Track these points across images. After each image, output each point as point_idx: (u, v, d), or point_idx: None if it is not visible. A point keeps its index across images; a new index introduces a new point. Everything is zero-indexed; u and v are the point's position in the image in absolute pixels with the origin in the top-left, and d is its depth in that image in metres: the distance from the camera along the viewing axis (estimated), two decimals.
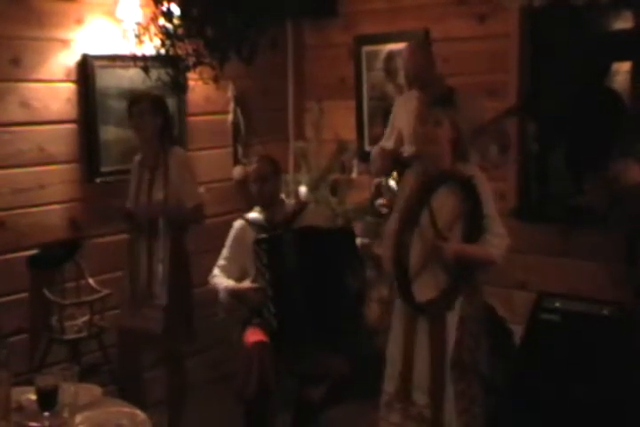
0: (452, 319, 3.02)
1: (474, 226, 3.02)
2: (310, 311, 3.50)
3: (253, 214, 3.82)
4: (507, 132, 3.75)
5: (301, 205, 3.93)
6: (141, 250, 3.74)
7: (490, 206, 3.04)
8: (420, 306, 3.00)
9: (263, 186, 3.74)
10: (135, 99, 3.76)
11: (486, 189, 3.06)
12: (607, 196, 3.64)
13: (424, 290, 3.00)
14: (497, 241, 3.03)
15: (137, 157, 3.86)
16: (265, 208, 3.79)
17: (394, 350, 3.11)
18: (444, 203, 3.00)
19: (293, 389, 3.62)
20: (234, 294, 3.67)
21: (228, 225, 4.00)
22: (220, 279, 3.75)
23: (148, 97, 3.77)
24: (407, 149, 3.92)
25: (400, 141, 4.01)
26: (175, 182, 3.70)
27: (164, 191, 3.68)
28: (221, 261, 3.82)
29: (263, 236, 3.60)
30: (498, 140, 3.67)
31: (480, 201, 2.99)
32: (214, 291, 3.76)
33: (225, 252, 3.83)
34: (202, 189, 3.95)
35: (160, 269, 3.70)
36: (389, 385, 3.10)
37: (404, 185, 3.18)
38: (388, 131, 4.11)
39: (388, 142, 4.06)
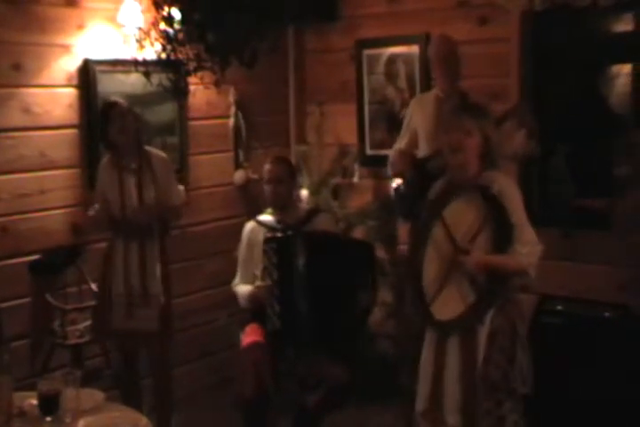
0: (483, 334, 2.90)
1: (501, 236, 2.89)
2: (314, 315, 3.49)
3: (265, 216, 3.81)
4: (531, 116, 3.71)
5: (314, 211, 3.90)
6: (133, 252, 3.71)
7: (518, 214, 2.91)
8: (443, 326, 2.92)
9: (277, 188, 3.70)
10: (111, 103, 3.73)
11: (514, 196, 2.93)
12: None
13: (450, 307, 2.90)
14: (526, 249, 2.89)
15: (105, 160, 3.79)
16: (278, 210, 3.76)
17: (425, 369, 3.01)
18: (462, 215, 2.90)
19: (294, 392, 3.61)
20: (249, 298, 3.66)
21: (229, 229, 4.01)
22: (240, 287, 3.75)
23: (120, 101, 3.75)
24: (423, 149, 3.93)
25: (415, 142, 4.00)
26: (161, 182, 3.71)
27: (155, 193, 3.69)
28: (239, 268, 3.81)
29: (274, 235, 3.60)
30: (525, 126, 3.64)
31: (505, 210, 2.87)
32: (238, 299, 3.76)
33: (240, 257, 3.82)
34: (181, 188, 3.98)
35: (158, 268, 3.71)
36: (419, 403, 3.01)
37: (433, 195, 3.08)
38: (402, 131, 4.11)
39: (401, 142, 4.06)
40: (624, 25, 4.03)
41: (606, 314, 3.72)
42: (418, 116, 4.04)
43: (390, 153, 4.06)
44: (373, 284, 3.67)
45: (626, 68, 4.05)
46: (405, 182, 3.90)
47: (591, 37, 4.11)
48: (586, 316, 3.76)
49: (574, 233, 4.06)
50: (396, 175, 4.00)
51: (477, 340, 2.90)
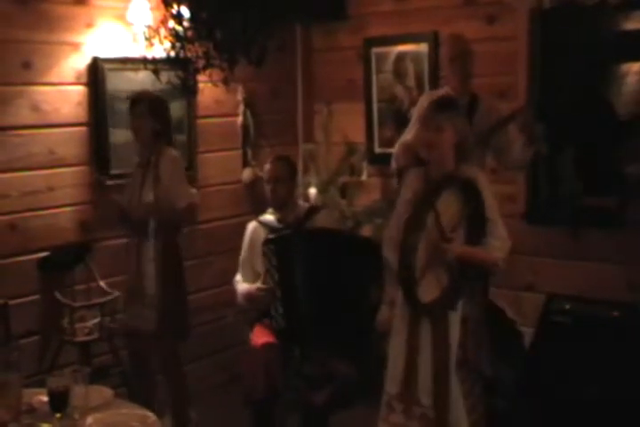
0: (455, 320, 3.01)
1: (476, 229, 3.01)
2: (319, 314, 3.50)
3: (266, 216, 3.83)
4: (533, 121, 3.71)
5: (314, 209, 3.91)
6: (132, 252, 3.76)
7: (492, 209, 3.03)
8: (423, 307, 2.99)
9: (277, 187, 3.73)
10: (134, 100, 3.76)
11: (487, 191, 3.04)
12: None
13: (428, 291, 2.98)
14: (499, 244, 3.03)
15: (136, 159, 3.86)
16: (277, 209, 3.78)
17: (396, 352, 3.09)
18: (449, 205, 2.99)
19: (302, 390, 3.61)
20: (246, 297, 3.69)
21: (238, 227, 4.01)
22: (239, 285, 3.78)
23: (146, 98, 3.76)
24: None
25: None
26: (165, 183, 3.70)
27: (154, 192, 3.69)
28: (240, 266, 3.84)
29: (272, 236, 3.60)
30: (526, 131, 3.65)
31: (482, 204, 2.99)
32: (236, 296, 3.80)
33: (242, 255, 3.85)
34: (194, 190, 3.96)
35: (151, 268, 3.70)
36: (391, 386, 3.09)
37: (407, 187, 3.16)
38: (409, 125, 4.11)
39: (407, 137, 4.06)
40: (633, 23, 4.01)
41: (614, 313, 3.71)
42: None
43: (396, 146, 4.08)
44: (380, 280, 3.67)
45: (635, 67, 4.04)
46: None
47: (600, 36, 4.09)
48: (594, 315, 3.75)
49: (582, 232, 4.06)
50: (400, 168, 4.02)
51: (448, 324, 3.00)
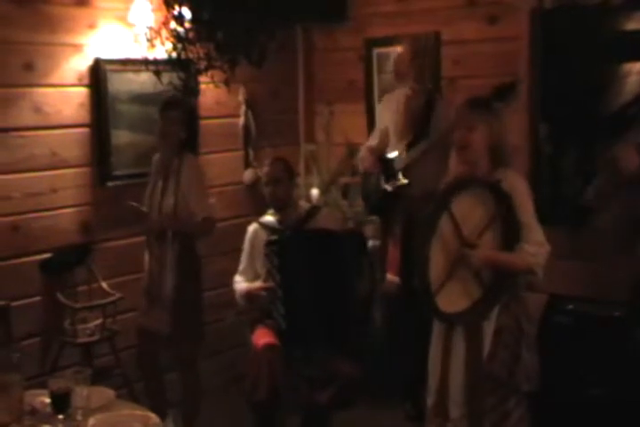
0: (489, 330, 2.90)
1: (510, 234, 2.89)
2: (320, 313, 3.51)
3: (267, 217, 3.83)
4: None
5: (315, 209, 3.92)
6: (153, 254, 3.79)
7: (527, 213, 2.90)
8: (448, 317, 2.90)
9: (275, 189, 3.73)
10: (167, 105, 3.76)
11: (524, 194, 2.92)
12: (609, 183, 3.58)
13: (454, 300, 2.88)
14: (534, 249, 2.88)
15: (156, 157, 3.87)
16: (277, 211, 3.79)
17: (433, 363, 3.02)
18: (471, 209, 2.87)
19: (303, 391, 3.61)
20: (247, 296, 3.70)
21: (239, 228, 4.02)
22: (239, 285, 3.79)
23: (182, 106, 3.78)
24: (393, 145, 3.99)
25: (385, 139, 4.08)
26: (184, 190, 3.71)
27: (174, 201, 3.70)
28: (240, 267, 3.85)
29: (274, 237, 3.61)
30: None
31: (514, 208, 2.86)
32: (235, 296, 3.82)
33: (242, 257, 3.86)
34: (212, 200, 3.95)
35: (170, 275, 3.72)
36: (429, 399, 3.02)
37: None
38: (375, 129, 4.19)
39: (373, 140, 4.14)
40: (635, 23, 4.01)
41: (616, 313, 3.70)
42: (387, 114, 4.14)
43: (361, 150, 4.16)
44: (369, 270, 3.68)
45: (636, 67, 4.03)
46: (371, 178, 4.02)
47: (601, 36, 4.09)
48: (596, 315, 3.74)
49: (583, 232, 4.05)
50: (365, 171, 4.12)
51: (482, 335, 2.91)
